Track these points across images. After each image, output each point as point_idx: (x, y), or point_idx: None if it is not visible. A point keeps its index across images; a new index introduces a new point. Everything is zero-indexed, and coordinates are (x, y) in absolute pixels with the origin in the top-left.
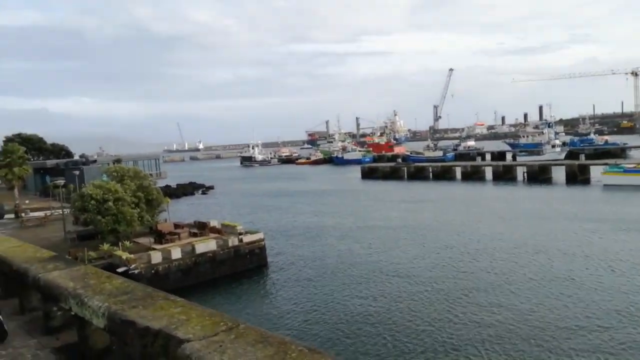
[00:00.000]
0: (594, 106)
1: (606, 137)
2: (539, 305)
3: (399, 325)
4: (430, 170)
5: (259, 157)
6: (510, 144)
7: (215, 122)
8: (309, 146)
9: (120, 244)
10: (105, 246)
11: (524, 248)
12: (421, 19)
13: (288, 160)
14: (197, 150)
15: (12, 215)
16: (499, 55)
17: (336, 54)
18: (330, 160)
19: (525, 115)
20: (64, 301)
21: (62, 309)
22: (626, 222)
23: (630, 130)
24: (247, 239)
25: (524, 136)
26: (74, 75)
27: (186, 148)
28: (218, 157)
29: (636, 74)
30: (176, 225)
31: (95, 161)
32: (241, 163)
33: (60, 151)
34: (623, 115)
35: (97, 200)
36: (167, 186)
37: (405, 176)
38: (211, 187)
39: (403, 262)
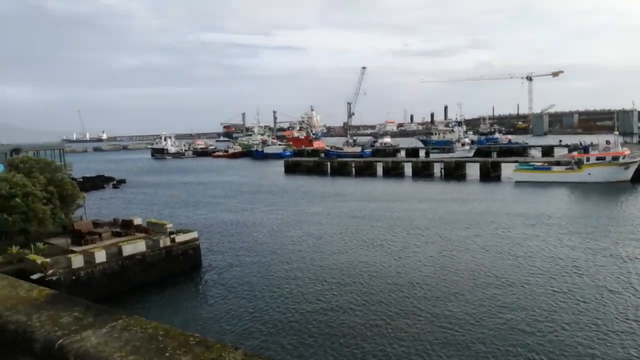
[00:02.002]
0: (493, 108)
1: (509, 137)
2: (453, 300)
3: (338, 324)
4: (353, 166)
5: (172, 149)
6: (423, 141)
7: (120, 111)
8: (225, 139)
9: (32, 246)
10: (14, 249)
11: (447, 244)
12: (333, 17)
13: (204, 153)
14: (101, 140)
15: None
16: (405, 56)
17: (248, 46)
18: (249, 153)
19: (432, 115)
20: None
21: None
22: (540, 217)
23: (524, 131)
24: (179, 238)
25: (436, 134)
26: None
27: (87, 138)
28: (125, 148)
29: (530, 79)
30: (95, 224)
31: None
32: (152, 155)
33: None
34: (518, 117)
35: (3, 196)
36: (73, 179)
37: (329, 171)
38: (123, 181)
39: (336, 259)
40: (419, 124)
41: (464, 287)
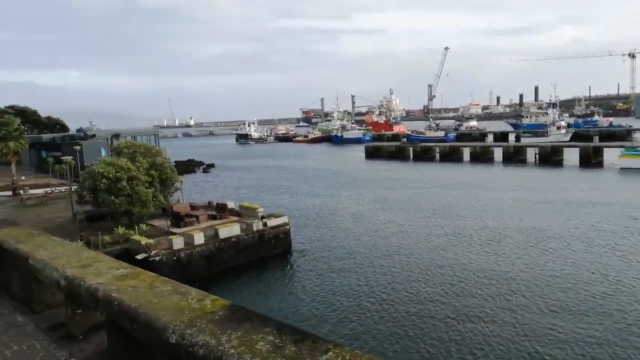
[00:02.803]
0: (589, 88)
1: (610, 119)
2: (554, 304)
3: (428, 317)
4: (437, 151)
5: (255, 135)
6: (513, 125)
7: (205, 98)
8: (305, 124)
9: (136, 227)
10: (121, 230)
11: (542, 236)
12: None
13: (285, 139)
14: (188, 126)
15: (10, 193)
16: (491, 35)
17: (327, 31)
18: (328, 138)
19: (521, 96)
20: None
21: None
22: None
23: (625, 113)
24: (271, 222)
25: (527, 116)
26: (61, 48)
27: (177, 124)
28: (211, 133)
29: (633, 56)
30: (192, 207)
31: (94, 136)
32: (237, 140)
33: (55, 125)
34: (618, 97)
35: (109, 179)
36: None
37: (411, 156)
38: (212, 165)
39: (422, 248)
40: (506, 106)
41: (565, 288)
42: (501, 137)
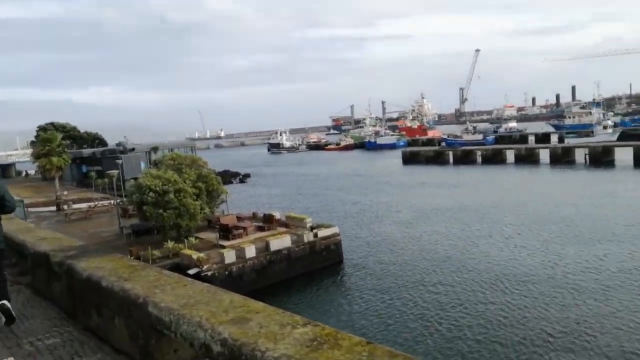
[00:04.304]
0: (630, 85)
1: None
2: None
3: (486, 334)
4: (479, 154)
5: (287, 144)
6: (554, 126)
7: (234, 109)
8: (335, 132)
9: (185, 241)
10: (170, 244)
11: (609, 247)
12: (438, 2)
13: (317, 147)
14: (219, 138)
15: (54, 208)
16: (520, 36)
17: (353, 39)
18: (361, 145)
19: (558, 96)
20: None
21: None
22: None
23: None
24: (322, 233)
25: (569, 117)
26: (95, 66)
27: (208, 136)
28: (242, 144)
29: None
30: (238, 218)
31: (133, 149)
32: (269, 150)
33: (94, 140)
34: None
35: (156, 192)
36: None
37: (451, 160)
38: (248, 175)
39: (477, 259)
40: (542, 107)
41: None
42: (543, 138)
